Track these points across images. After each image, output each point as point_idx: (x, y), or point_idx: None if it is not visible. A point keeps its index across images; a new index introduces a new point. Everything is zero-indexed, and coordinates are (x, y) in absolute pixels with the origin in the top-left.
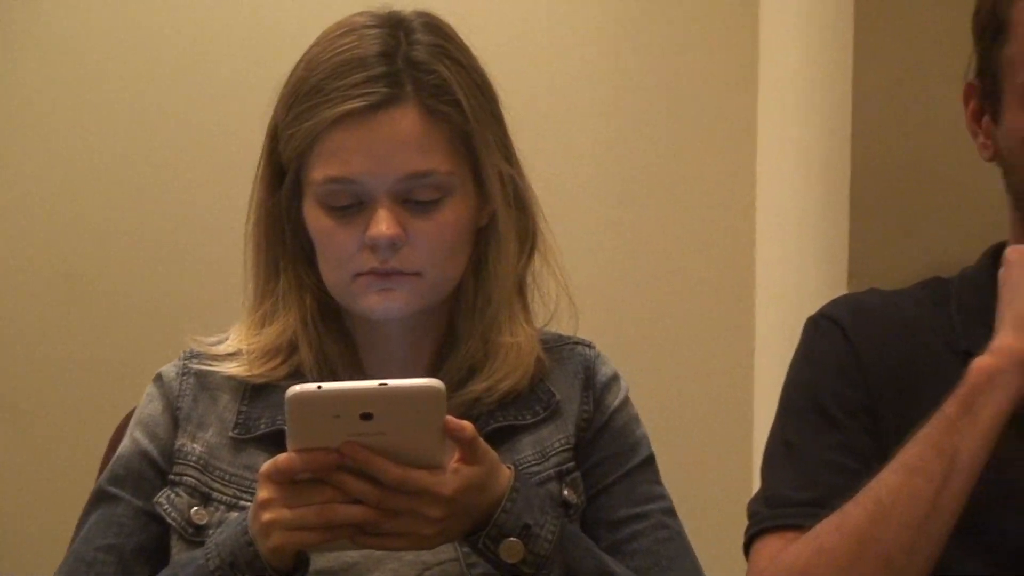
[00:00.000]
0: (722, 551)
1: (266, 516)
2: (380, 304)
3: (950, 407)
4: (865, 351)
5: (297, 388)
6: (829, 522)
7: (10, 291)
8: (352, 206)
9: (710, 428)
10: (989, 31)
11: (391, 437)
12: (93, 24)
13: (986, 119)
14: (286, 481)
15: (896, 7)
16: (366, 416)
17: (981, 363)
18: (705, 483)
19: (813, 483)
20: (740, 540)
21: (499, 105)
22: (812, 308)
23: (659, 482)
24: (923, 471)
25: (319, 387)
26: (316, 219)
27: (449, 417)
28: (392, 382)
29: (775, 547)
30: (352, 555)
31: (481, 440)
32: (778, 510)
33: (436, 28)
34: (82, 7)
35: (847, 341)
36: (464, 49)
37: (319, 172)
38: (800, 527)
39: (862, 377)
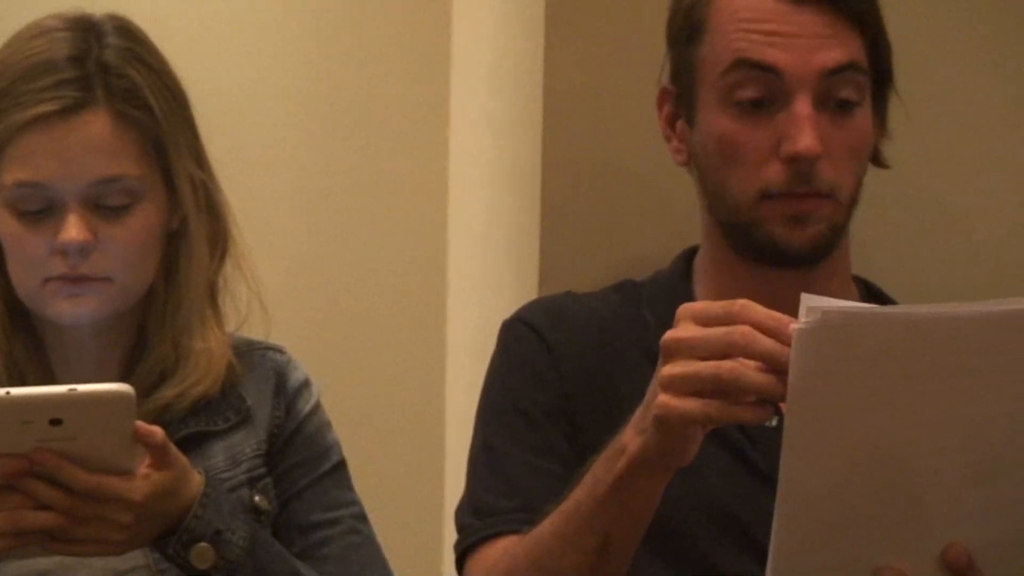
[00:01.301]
0: (414, 556)
1: None
2: (70, 310)
3: (600, 486)
4: (561, 354)
5: None
6: (517, 550)
7: None
8: (43, 211)
9: (402, 433)
10: (684, 33)
11: (81, 443)
12: None
13: (680, 123)
14: None
15: (586, 13)
16: (55, 422)
17: (632, 447)
18: (397, 489)
19: (517, 489)
20: (432, 544)
21: (190, 109)
22: (504, 312)
23: (350, 488)
24: (578, 545)
25: (7, 392)
26: (5, 223)
27: (139, 422)
28: (81, 387)
29: (491, 555)
30: (43, 562)
31: (172, 445)
32: (488, 520)
33: (128, 32)
34: None
35: (543, 344)
36: (156, 53)
37: (9, 176)
38: (513, 532)
39: (559, 380)
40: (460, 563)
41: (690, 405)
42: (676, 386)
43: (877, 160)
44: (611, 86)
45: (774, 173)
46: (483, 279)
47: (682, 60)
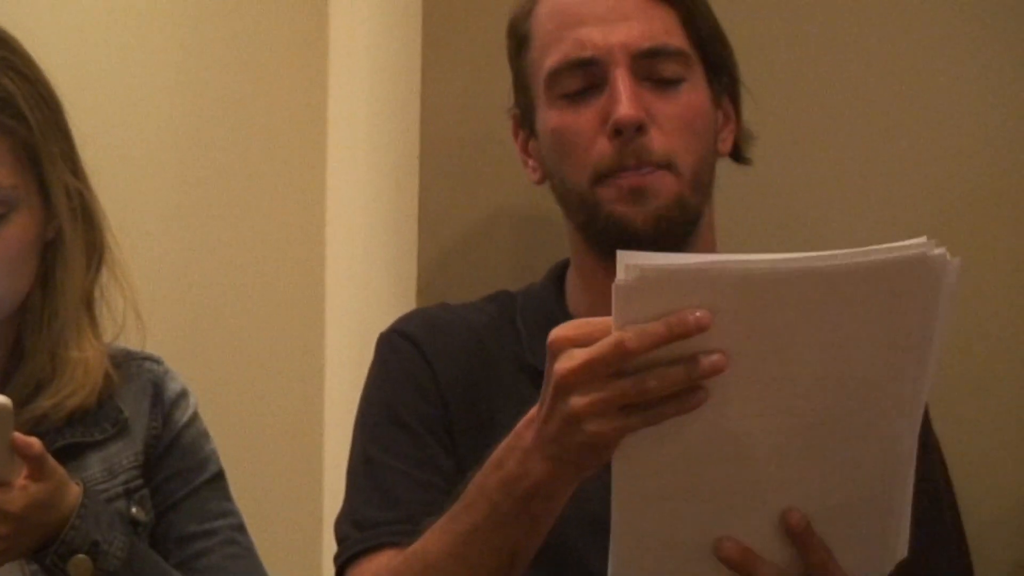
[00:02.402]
0: (293, 567)
1: None
2: None
3: (502, 509)
4: (438, 365)
5: None
6: (403, 569)
7: None
8: None
9: (281, 443)
10: (514, 48)
11: None
12: None
13: (532, 142)
14: None
15: (461, 18)
16: None
17: (538, 472)
18: (276, 499)
19: (398, 501)
20: (311, 555)
21: (65, 118)
22: (382, 323)
23: (229, 498)
24: (483, 565)
25: None
26: None
27: (17, 434)
28: None
29: (373, 568)
30: None
31: (49, 456)
32: (368, 532)
33: (1, 41)
34: None
35: (422, 356)
36: (30, 62)
37: None
38: (394, 544)
39: (437, 391)
40: (340, 575)
41: (630, 422)
42: (600, 412)
43: (738, 157)
44: (489, 95)
45: (603, 150)
46: (361, 292)
47: (518, 74)
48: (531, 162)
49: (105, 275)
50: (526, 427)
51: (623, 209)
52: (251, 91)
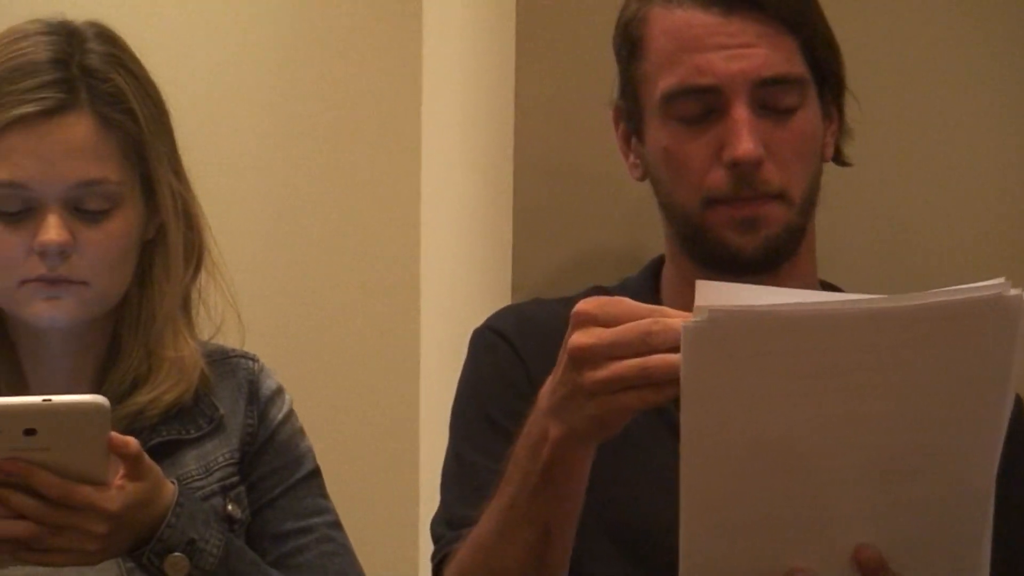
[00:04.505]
0: (389, 564)
1: None
2: (47, 312)
3: (532, 477)
4: (532, 362)
5: None
6: (463, 554)
7: None
8: (21, 212)
9: (376, 440)
10: (625, 51)
11: (55, 453)
12: None
13: (634, 140)
14: None
15: (557, 15)
16: (29, 432)
17: (555, 433)
18: (372, 496)
19: (486, 499)
20: (407, 551)
21: (170, 119)
22: (477, 319)
23: (324, 495)
24: (520, 540)
25: None
26: None
27: (113, 433)
28: (56, 398)
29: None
30: (14, 572)
31: (145, 456)
32: (459, 531)
33: (109, 38)
34: None
35: (514, 352)
36: (136, 60)
37: None
38: None
39: (530, 388)
40: (437, 574)
41: (628, 400)
42: (608, 390)
43: (839, 159)
44: (583, 91)
45: (718, 179)
46: (457, 288)
47: (627, 77)
48: (632, 158)
49: (203, 276)
50: (543, 390)
51: (734, 238)
52: (346, 91)
